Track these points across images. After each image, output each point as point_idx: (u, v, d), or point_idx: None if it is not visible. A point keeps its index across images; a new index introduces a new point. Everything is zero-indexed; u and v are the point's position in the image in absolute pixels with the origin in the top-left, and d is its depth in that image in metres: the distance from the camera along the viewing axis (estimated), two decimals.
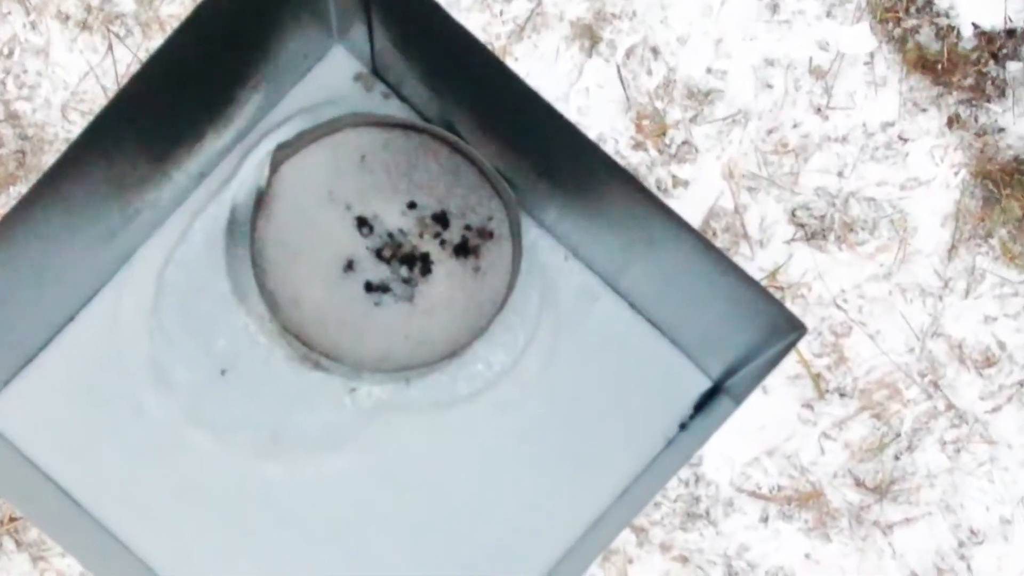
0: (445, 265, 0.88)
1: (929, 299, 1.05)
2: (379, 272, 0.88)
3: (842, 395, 1.04)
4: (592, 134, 1.04)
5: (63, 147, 0.96)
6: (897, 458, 1.04)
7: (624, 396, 0.89)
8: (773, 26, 1.06)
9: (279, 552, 0.87)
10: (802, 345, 1.04)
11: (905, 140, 1.06)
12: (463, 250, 0.88)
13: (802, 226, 1.05)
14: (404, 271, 0.88)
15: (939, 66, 1.07)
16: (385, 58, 0.87)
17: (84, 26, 1.02)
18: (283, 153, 0.86)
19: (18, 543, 0.99)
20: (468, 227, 0.88)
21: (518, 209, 0.88)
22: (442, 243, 0.88)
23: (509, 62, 1.04)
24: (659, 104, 1.05)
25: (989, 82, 1.08)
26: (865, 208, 1.06)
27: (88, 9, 1.02)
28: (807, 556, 1.04)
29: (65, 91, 1.01)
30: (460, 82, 0.80)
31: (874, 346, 1.05)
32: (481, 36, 1.04)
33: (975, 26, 1.07)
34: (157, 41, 1.02)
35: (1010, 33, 1.08)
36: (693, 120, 1.05)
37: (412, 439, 0.88)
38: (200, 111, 0.82)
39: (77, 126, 1.01)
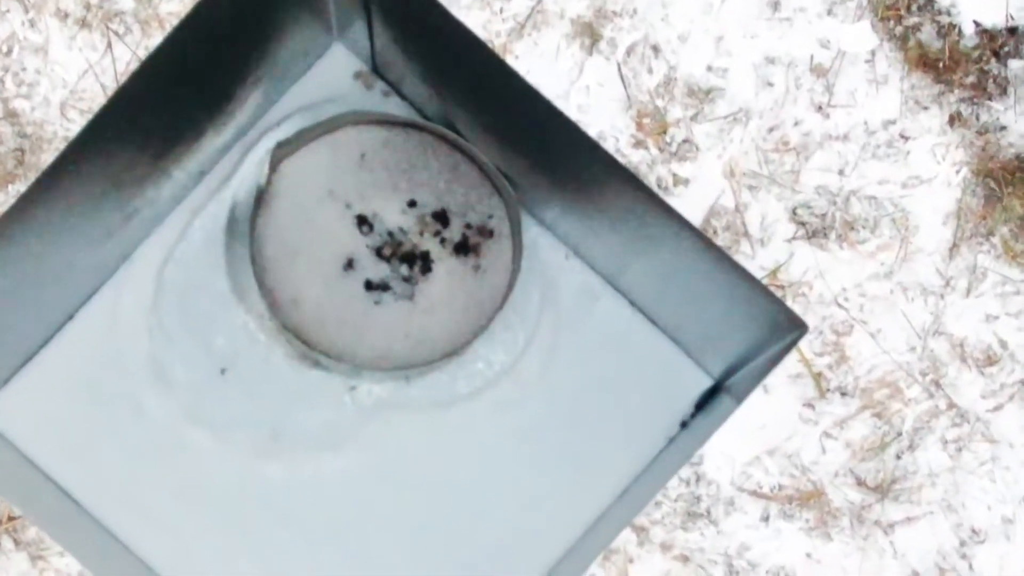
0: (445, 263, 0.88)
1: (930, 298, 1.05)
2: (379, 270, 0.87)
3: (843, 394, 1.04)
4: (593, 132, 1.03)
5: (62, 145, 0.95)
6: (898, 457, 1.04)
7: (625, 395, 0.89)
8: (774, 24, 1.06)
9: (279, 551, 0.87)
10: (803, 344, 1.03)
11: (906, 138, 1.06)
12: (463, 248, 0.88)
13: (803, 224, 1.05)
14: (404, 269, 0.87)
15: (940, 64, 1.07)
16: (385, 56, 0.87)
17: (83, 24, 1.02)
18: (283, 151, 0.86)
19: (17, 542, 0.99)
20: (468, 225, 0.88)
21: (518, 207, 0.88)
22: (442, 241, 0.88)
23: (509, 60, 1.04)
24: (660, 102, 1.05)
25: (991, 80, 1.07)
26: (866, 206, 1.05)
27: (87, 7, 1.02)
28: (808, 555, 1.03)
29: (64, 89, 1.01)
30: (460, 80, 0.80)
31: (875, 345, 1.04)
32: (481, 34, 1.03)
33: (976, 24, 1.07)
34: (156, 39, 1.02)
35: (1012, 31, 1.07)
36: (694, 118, 1.05)
37: (412, 438, 0.88)
38: (200, 109, 0.82)
39: (76, 124, 1.01)
